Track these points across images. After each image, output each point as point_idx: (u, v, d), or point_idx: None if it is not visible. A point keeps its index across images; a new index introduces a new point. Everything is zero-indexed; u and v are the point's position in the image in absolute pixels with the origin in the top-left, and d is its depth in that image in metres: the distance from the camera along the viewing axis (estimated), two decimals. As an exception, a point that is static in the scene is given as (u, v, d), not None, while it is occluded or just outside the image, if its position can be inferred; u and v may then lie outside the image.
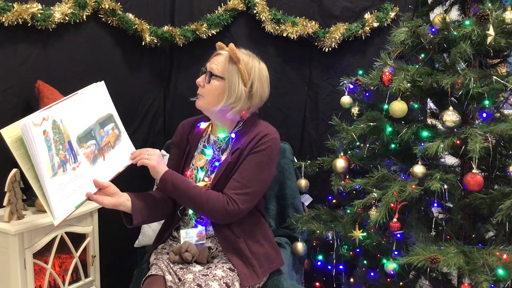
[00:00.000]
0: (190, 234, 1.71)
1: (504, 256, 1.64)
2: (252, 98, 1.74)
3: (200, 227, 1.73)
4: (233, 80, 1.69)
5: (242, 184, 1.66)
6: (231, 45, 1.70)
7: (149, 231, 2.21)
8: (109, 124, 1.64)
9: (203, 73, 1.75)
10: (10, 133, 1.36)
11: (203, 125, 1.85)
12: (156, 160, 1.66)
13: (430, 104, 2.14)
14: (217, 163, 1.74)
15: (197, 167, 1.77)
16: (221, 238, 1.71)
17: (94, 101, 1.60)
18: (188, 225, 1.77)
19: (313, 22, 2.45)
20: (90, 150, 1.55)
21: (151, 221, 1.79)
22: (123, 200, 1.61)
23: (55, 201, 1.41)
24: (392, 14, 2.50)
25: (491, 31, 1.71)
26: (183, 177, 1.73)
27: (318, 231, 2.08)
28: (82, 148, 1.52)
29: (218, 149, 1.78)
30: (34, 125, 1.34)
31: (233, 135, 1.75)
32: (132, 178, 2.17)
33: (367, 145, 2.09)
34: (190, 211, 1.75)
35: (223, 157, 1.75)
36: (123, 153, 1.69)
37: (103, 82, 1.65)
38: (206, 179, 1.74)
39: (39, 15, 1.98)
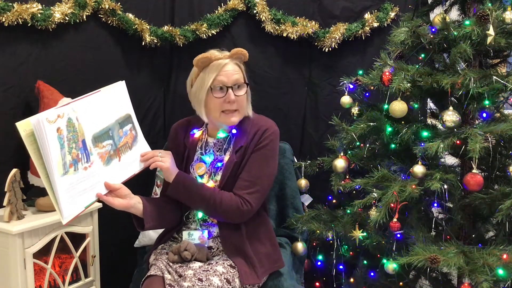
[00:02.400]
0: (193, 236, 1.71)
1: (504, 256, 1.64)
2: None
3: (204, 231, 1.73)
4: (247, 81, 1.72)
5: (251, 182, 1.66)
6: (238, 48, 1.68)
7: (149, 231, 2.21)
8: (128, 124, 1.62)
9: (224, 90, 1.65)
10: (25, 127, 1.32)
11: (197, 133, 1.81)
12: (170, 162, 1.65)
13: (430, 104, 2.14)
14: (219, 164, 1.74)
15: (197, 175, 1.76)
16: (224, 239, 1.71)
17: (114, 100, 1.58)
18: (191, 228, 1.77)
19: (313, 22, 2.45)
20: (105, 150, 1.52)
21: (161, 226, 1.78)
22: (134, 203, 1.59)
23: (64, 200, 1.39)
24: (392, 14, 2.50)
25: (491, 31, 1.71)
26: (194, 179, 1.72)
27: (318, 231, 2.08)
28: (96, 147, 1.49)
29: (218, 150, 1.77)
30: (47, 122, 1.32)
31: (234, 131, 1.75)
32: (132, 178, 2.18)
33: (367, 145, 2.09)
34: (200, 215, 1.75)
35: (226, 157, 1.74)
36: (139, 154, 1.67)
37: (123, 81, 1.63)
38: (211, 181, 1.73)
39: (39, 15, 1.98)
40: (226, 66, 1.67)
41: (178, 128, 1.86)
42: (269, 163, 1.71)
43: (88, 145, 1.46)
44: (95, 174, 1.49)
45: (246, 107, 1.74)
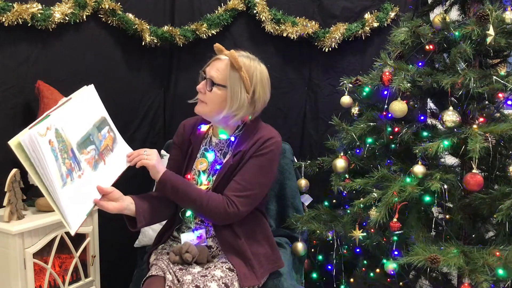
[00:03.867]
0: (191, 238, 1.71)
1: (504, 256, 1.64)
2: (255, 104, 1.71)
3: (201, 230, 1.73)
4: (235, 88, 1.65)
5: (243, 186, 1.65)
6: (232, 52, 1.65)
7: (149, 231, 2.21)
8: (105, 127, 1.61)
9: (202, 78, 1.71)
10: (19, 144, 1.29)
11: (203, 127, 1.82)
12: (156, 159, 1.65)
13: (430, 104, 2.14)
14: (218, 166, 1.73)
15: (198, 170, 1.76)
16: (222, 239, 1.70)
17: (88, 105, 1.56)
18: (188, 227, 1.77)
19: (313, 22, 2.46)
20: (90, 155, 1.51)
21: (153, 223, 1.77)
22: (127, 204, 1.59)
23: (70, 210, 1.38)
24: (392, 14, 2.51)
25: (491, 31, 1.71)
26: (182, 178, 1.72)
27: (318, 231, 2.08)
28: (82, 154, 1.48)
29: (219, 152, 1.77)
30: (40, 135, 1.29)
31: (232, 138, 1.75)
32: (132, 178, 2.18)
33: (367, 145, 2.09)
34: (188, 213, 1.75)
35: (225, 160, 1.74)
36: (121, 155, 1.66)
37: (92, 85, 1.61)
38: (206, 182, 1.73)
39: (39, 15, 1.98)
40: (217, 61, 1.70)
41: (186, 124, 1.87)
42: (264, 172, 1.68)
43: (76, 153, 1.45)
44: (88, 181, 1.48)
45: (218, 110, 1.68)
